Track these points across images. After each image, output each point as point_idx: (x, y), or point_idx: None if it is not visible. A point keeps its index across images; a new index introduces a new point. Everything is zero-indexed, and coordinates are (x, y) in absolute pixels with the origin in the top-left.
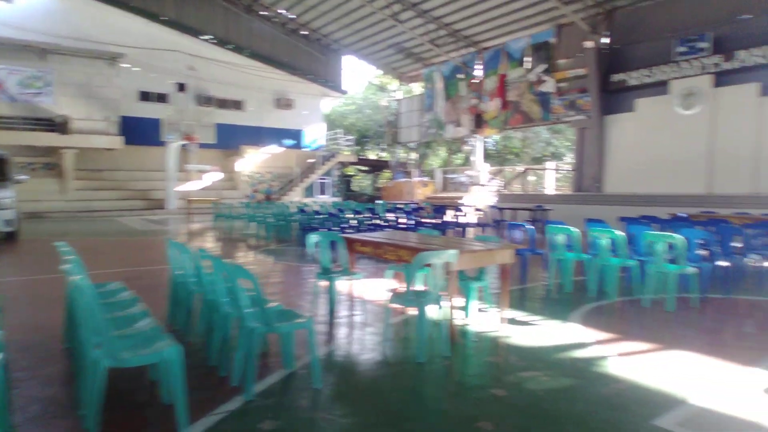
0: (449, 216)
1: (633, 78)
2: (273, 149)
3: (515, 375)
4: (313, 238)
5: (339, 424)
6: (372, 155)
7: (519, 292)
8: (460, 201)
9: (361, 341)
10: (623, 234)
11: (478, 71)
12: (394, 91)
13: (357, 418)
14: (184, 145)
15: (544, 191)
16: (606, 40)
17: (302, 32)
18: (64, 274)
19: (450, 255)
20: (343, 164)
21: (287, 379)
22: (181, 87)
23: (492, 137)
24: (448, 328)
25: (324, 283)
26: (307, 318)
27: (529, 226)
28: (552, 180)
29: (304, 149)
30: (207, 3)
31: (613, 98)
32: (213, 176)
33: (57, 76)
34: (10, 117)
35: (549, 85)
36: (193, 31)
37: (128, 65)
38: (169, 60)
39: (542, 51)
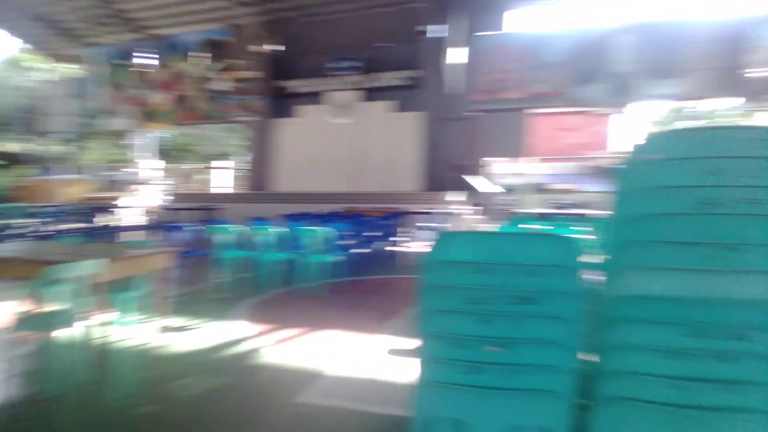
0: (105, 219)
1: (297, 86)
2: None
3: (169, 385)
4: None
5: None
6: (14, 147)
7: (182, 297)
8: (120, 202)
9: None
10: (284, 230)
11: (147, 60)
12: (44, 71)
13: None
14: None
15: (219, 190)
16: (277, 47)
17: None
18: None
19: (91, 266)
20: None
21: None
22: None
23: (164, 132)
24: (93, 349)
25: None
26: None
27: (196, 227)
28: (229, 179)
29: None
30: None
31: (282, 103)
32: None
33: None
34: None
35: (223, 84)
36: None
37: None
38: None
39: (217, 48)
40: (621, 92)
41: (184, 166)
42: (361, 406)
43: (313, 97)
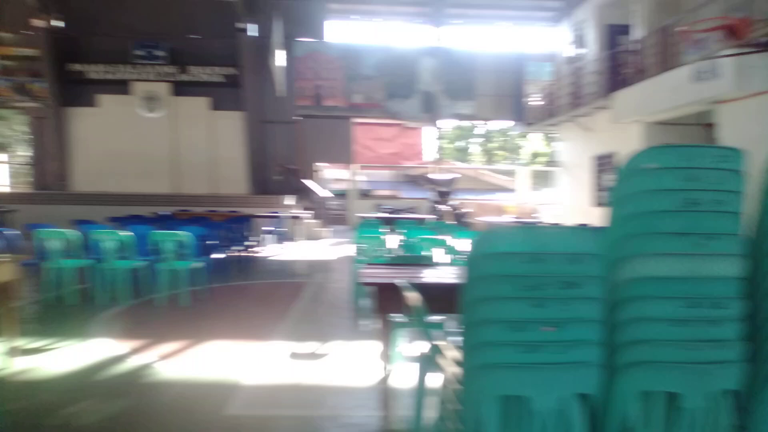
0: None
1: (93, 72)
2: None
3: (57, 414)
4: None
5: None
6: None
7: (24, 313)
8: None
9: None
10: (132, 235)
11: None
12: None
13: None
14: None
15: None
16: (60, 24)
17: None
18: None
19: None
20: None
21: None
22: None
23: None
24: None
25: None
26: None
27: (11, 232)
28: (4, 175)
29: None
30: None
31: (74, 89)
32: None
33: None
34: None
35: None
36: None
37: None
38: None
39: None
40: (428, 108)
41: None
42: (288, 411)
43: (115, 86)
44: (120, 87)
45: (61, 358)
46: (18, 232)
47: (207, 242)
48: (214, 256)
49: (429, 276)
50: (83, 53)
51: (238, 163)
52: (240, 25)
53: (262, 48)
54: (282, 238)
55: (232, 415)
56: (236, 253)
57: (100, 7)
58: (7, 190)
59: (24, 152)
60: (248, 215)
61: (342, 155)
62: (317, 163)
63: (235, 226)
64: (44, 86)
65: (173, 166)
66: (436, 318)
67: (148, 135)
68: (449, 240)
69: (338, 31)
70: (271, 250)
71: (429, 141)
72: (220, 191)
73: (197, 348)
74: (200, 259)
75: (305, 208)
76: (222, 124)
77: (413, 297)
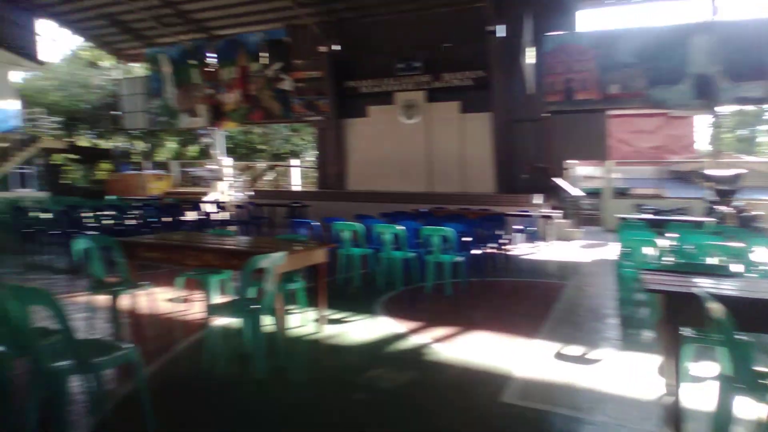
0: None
1: (364, 86)
2: None
3: (362, 376)
4: (81, 243)
5: None
6: (84, 142)
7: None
8: (205, 196)
9: (177, 363)
10: (404, 229)
11: (212, 59)
12: (110, 69)
13: None
14: None
15: (292, 187)
16: (337, 48)
17: None
18: None
19: (280, 257)
20: (48, 151)
21: (103, 426)
22: None
23: (231, 130)
24: (279, 337)
25: (102, 299)
26: (130, 346)
27: (315, 223)
28: (297, 177)
29: None
30: None
31: (348, 103)
32: None
33: None
34: None
35: (287, 84)
36: None
37: None
38: None
39: (278, 48)
40: (702, 94)
41: (254, 164)
42: (564, 410)
43: (380, 97)
44: (384, 98)
45: (356, 329)
46: (318, 223)
47: (463, 238)
48: (472, 251)
49: (734, 288)
50: (356, 71)
51: (485, 163)
52: (489, 28)
53: (511, 48)
54: (533, 237)
55: (508, 403)
56: (490, 251)
57: (369, 30)
58: (299, 188)
59: (311, 157)
60: (500, 213)
61: (595, 151)
62: (567, 161)
63: (487, 224)
64: (326, 102)
65: (427, 166)
66: (745, 336)
67: (406, 139)
68: (741, 247)
69: (591, 21)
70: (522, 249)
71: (702, 131)
72: (469, 190)
73: (466, 335)
74: (460, 254)
75: (554, 208)
76: (471, 126)
77: (718, 310)
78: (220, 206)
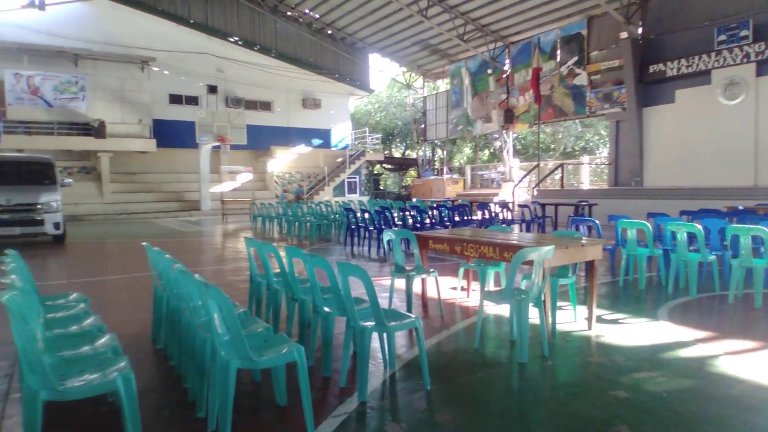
0: (483, 213)
1: (671, 68)
2: (302, 149)
3: (628, 376)
4: (386, 235)
5: (466, 428)
6: (397, 153)
7: (602, 289)
8: (494, 197)
9: (451, 340)
10: (700, 228)
11: (506, 66)
12: (420, 88)
13: (482, 421)
14: (216, 147)
15: (581, 186)
16: (640, 30)
17: (328, 32)
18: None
19: (548, 251)
20: (371, 163)
21: (391, 380)
22: (212, 89)
23: (521, 132)
24: (544, 327)
25: (399, 281)
26: (415, 317)
27: (596, 222)
28: (586, 175)
29: (332, 149)
30: (233, 5)
31: (651, 90)
32: (244, 177)
33: (90, 80)
34: (47, 122)
35: (582, 78)
36: (221, 34)
37: (158, 69)
38: (199, 63)
39: (573, 43)
40: None
41: (542, 164)
42: None
43: (693, 78)
44: (698, 78)
45: (630, 331)
46: (598, 222)
47: None
48: None
49: None
50: (661, 53)
51: None
52: None
53: None
54: None
55: None
56: None
57: (680, 3)
58: (589, 187)
59: (603, 153)
60: None
61: None
62: None
63: None
64: (625, 92)
65: (753, 156)
66: None
67: (725, 124)
68: None
69: None
70: None
71: None
72: None
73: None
74: None
75: None
76: None
77: None
78: (506, 206)
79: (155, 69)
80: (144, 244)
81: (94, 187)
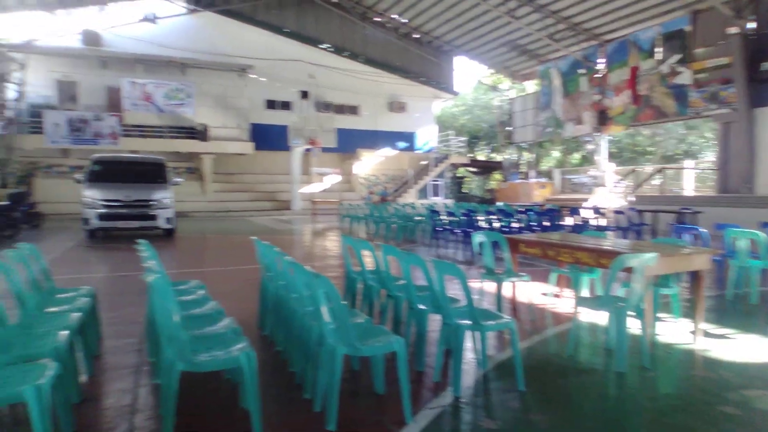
0: (573, 219)
1: None
2: (387, 152)
3: (737, 392)
4: (477, 237)
5: (561, 428)
6: (482, 156)
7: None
8: (585, 202)
9: (543, 344)
10: None
11: (601, 65)
12: (507, 90)
13: (577, 423)
14: (307, 150)
15: (683, 192)
16: (752, 25)
17: (414, 36)
18: (260, 266)
19: (650, 258)
20: (455, 166)
21: (485, 379)
22: (304, 95)
23: (615, 135)
24: (644, 337)
25: (488, 284)
26: (510, 318)
27: (702, 230)
28: (690, 180)
29: (416, 151)
30: (325, 13)
31: (764, 89)
32: (333, 178)
33: (196, 88)
34: (158, 126)
35: (685, 77)
36: (313, 41)
37: (256, 76)
38: (292, 69)
39: (675, 40)
40: None
41: (639, 168)
42: None
43: None
44: None
45: (741, 346)
46: (706, 230)
47: None
48: None
49: None
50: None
51: None
52: None
53: None
54: None
55: None
56: None
57: None
58: (692, 193)
59: (709, 158)
60: None
61: None
62: None
63: None
64: (734, 91)
65: None
66: None
67: None
68: None
69: None
70: None
71: None
72: None
73: None
74: None
75: None
76: None
77: None
78: (599, 212)
79: (253, 76)
80: (253, 238)
81: (197, 186)
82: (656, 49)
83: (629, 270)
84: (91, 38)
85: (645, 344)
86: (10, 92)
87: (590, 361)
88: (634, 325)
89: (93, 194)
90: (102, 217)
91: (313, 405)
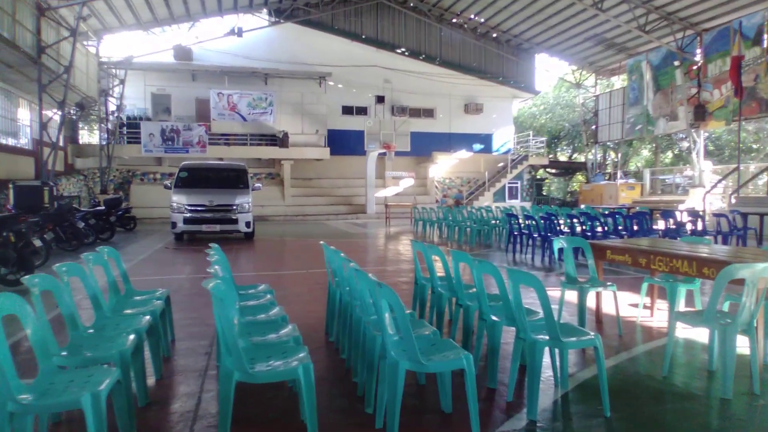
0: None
1: None
2: (462, 154)
3: None
4: (558, 242)
5: None
6: (563, 157)
7: None
8: (679, 205)
9: (633, 363)
10: None
11: (697, 56)
12: (591, 87)
13: None
14: (382, 154)
15: None
16: None
17: (492, 35)
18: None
19: (765, 269)
20: (534, 167)
21: (564, 400)
22: (380, 99)
23: (714, 131)
24: (756, 359)
25: (570, 294)
26: (594, 334)
27: None
28: None
29: (493, 153)
30: (401, 17)
31: None
32: (407, 182)
33: (277, 96)
34: (242, 134)
35: None
36: (389, 46)
37: (333, 83)
38: (368, 75)
39: None
40: None
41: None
42: None
43: None
44: None
45: None
46: None
47: None
48: None
49: None
50: None
51: None
52: None
53: None
54: None
55: None
56: None
57: None
58: None
59: None
60: None
61: None
62: None
63: None
64: None
65: None
66: None
67: None
68: None
69: None
70: None
71: None
72: None
73: None
74: None
75: None
76: None
77: None
78: (696, 215)
79: (330, 83)
80: (321, 242)
81: (277, 191)
82: (763, 36)
83: (737, 281)
84: (183, 53)
85: (755, 367)
86: (111, 105)
87: (689, 385)
88: (741, 344)
89: (180, 199)
90: (187, 221)
91: (375, 421)
